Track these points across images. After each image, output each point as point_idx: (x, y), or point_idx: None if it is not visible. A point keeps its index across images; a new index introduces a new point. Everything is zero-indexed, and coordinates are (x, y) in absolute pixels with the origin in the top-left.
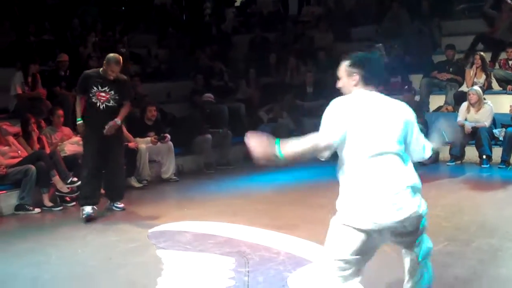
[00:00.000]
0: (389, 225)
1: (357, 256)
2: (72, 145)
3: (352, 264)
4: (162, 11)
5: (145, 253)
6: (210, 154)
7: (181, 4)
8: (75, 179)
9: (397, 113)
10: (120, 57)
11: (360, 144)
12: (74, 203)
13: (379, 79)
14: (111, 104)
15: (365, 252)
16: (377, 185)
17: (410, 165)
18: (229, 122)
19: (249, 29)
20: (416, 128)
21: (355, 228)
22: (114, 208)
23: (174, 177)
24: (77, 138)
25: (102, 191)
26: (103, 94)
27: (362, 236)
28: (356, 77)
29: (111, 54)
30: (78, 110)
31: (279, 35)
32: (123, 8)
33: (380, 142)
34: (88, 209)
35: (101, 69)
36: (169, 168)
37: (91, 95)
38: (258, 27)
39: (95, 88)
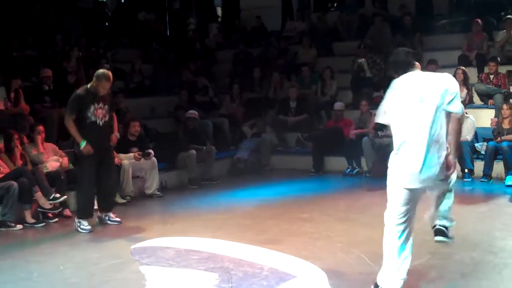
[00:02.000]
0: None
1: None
2: (54, 162)
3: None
4: (146, 26)
5: (128, 269)
6: (194, 170)
7: (165, 20)
8: (58, 195)
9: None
10: (110, 73)
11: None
12: (56, 219)
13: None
14: (107, 119)
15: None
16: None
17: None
18: (213, 137)
19: (233, 44)
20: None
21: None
22: (109, 221)
23: (158, 193)
24: (57, 156)
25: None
26: (100, 111)
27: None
28: None
29: (102, 71)
30: (75, 131)
31: (262, 50)
32: (107, 23)
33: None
34: (86, 224)
35: (89, 85)
36: (152, 184)
37: (89, 114)
38: (241, 42)
39: (92, 106)
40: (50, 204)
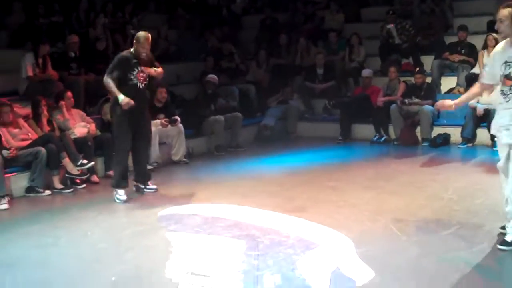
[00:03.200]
0: None
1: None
2: (82, 128)
3: None
4: None
5: (155, 235)
6: (221, 136)
7: None
8: (85, 161)
9: None
10: (148, 33)
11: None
12: (84, 185)
13: None
14: (147, 82)
15: None
16: None
17: None
18: (239, 104)
19: (259, 10)
20: None
21: None
22: (146, 189)
23: (184, 159)
24: (85, 122)
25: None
26: (142, 74)
27: None
28: None
29: (141, 32)
30: (115, 88)
31: (289, 16)
32: None
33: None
34: (122, 193)
35: (131, 49)
36: (179, 150)
37: (132, 77)
38: (268, 7)
39: (136, 69)
40: (78, 170)
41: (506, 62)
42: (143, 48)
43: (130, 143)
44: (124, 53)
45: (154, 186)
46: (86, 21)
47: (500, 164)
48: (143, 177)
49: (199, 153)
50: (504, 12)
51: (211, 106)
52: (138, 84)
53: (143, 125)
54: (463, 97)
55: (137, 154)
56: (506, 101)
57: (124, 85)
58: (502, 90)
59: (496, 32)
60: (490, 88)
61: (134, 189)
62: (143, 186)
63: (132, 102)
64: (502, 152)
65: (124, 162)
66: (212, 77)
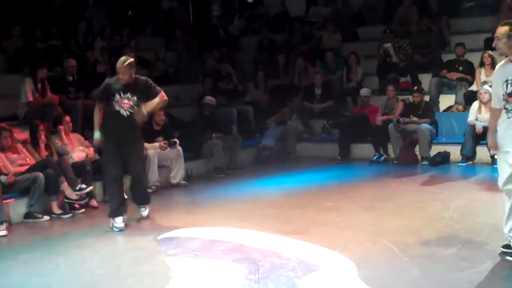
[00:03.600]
0: None
1: None
2: (80, 152)
3: None
4: (169, 14)
5: (154, 260)
6: (219, 158)
7: (188, 7)
8: (84, 186)
9: None
10: (129, 58)
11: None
12: (83, 210)
13: None
14: (133, 111)
15: None
16: None
17: None
18: (238, 125)
19: (256, 31)
20: None
21: None
22: (142, 214)
23: (184, 182)
24: (83, 147)
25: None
26: (126, 101)
27: None
28: None
29: (120, 59)
30: (97, 122)
31: (286, 36)
32: (130, 12)
33: None
34: (119, 221)
35: (117, 75)
36: (178, 173)
37: (114, 103)
38: (265, 28)
39: (117, 95)
40: (77, 195)
41: (507, 80)
42: (123, 74)
43: (117, 172)
44: (108, 79)
45: (146, 213)
46: (84, 45)
47: (502, 183)
48: (139, 201)
49: (198, 175)
50: (501, 30)
51: (208, 130)
52: (121, 112)
53: (132, 153)
54: (491, 127)
55: (132, 180)
56: (509, 118)
57: (108, 111)
58: (506, 108)
59: (493, 49)
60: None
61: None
62: (141, 209)
63: (98, 145)
64: (504, 172)
65: (113, 191)
66: (210, 99)
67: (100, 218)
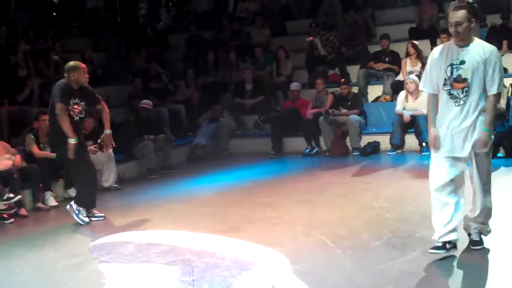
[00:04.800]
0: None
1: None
2: (6, 160)
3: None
4: (95, 14)
5: (87, 268)
6: (151, 159)
7: (114, 6)
8: (12, 195)
9: None
10: (81, 64)
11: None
12: (12, 219)
13: None
14: (82, 115)
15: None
16: None
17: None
18: (170, 124)
19: (185, 28)
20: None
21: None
22: (93, 218)
23: (116, 185)
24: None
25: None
26: (76, 106)
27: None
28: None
29: (74, 63)
30: (69, 127)
31: (215, 33)
32: (55, 13)
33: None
34: (84, 215)
35: (63, 80)
36: (109, 177)
37: (68, 107)
38: (193, 25)
39: (70, 101)
40: (5, 204)
41: (452, 64)
42: (84, 75)
43: (90, 164)
44: (60, 82)
45: (102, 215)
46: (7, 48)
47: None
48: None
49: (131, 177)
50: (459, 14)
51: (142, 132)
52: (74, 117)
53: (85, 155)
54: (429, 117)
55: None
56: (460, 105)
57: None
58: (451, 94)
59: (417, 39)
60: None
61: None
62: (90, 214)
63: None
64: (455, 165)
65: (94, 182)
66: (146, 102)
67: (30, 226)
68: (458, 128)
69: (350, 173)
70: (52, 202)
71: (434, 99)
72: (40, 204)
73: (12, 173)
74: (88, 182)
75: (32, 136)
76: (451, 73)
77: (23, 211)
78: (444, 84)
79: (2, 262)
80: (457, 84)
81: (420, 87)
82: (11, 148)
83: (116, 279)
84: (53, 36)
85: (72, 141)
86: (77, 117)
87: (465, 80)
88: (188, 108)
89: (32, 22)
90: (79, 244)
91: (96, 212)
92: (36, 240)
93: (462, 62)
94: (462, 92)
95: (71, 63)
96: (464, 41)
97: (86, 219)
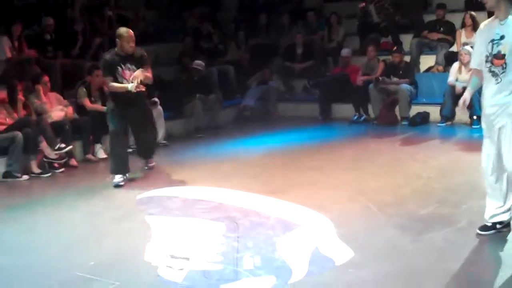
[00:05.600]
0: None
1: None
2: (59, 111)
3: None
4: None
5: (134, 219)
6: (200, 118)
7: None
8: (63, 145)
9: None
10: (130, 31)
11: None
12: (62, 169)
13: None
14: (135, 81)
15: None
16: None
17: None
18: (219, 85)
19: None
20: None
21: None
22: (146, 167)
23: (164, 141)
24: (62, 106)
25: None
26: (127, 72)
27: None
28: None
29: (123, 29)
30: (120, 87)
31: None
32: None
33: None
34: (118, 178)
35: (116, 48)
36: (159, 132)
37: (117, 76)
38: None
39: (119, 68)
40: (56, 154)
41: (493, 40)
42: (128, 43)
43: (124, 138)
44: (105, 54)
45: (152, 164)
46: (63, 3)
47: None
48: (142, 155)
49: (179, 135)
50: None
51: (193, 91)
52: (125, 83)
53: (136, 114)
54: (469, 88)
55: (137, 138)
56: (498, 82)
57: (113, 81)
58: (492, 71)
59: (475, 10)
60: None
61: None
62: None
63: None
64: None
65: (119, 154)
66: (199, 63)
67: (79, 176)
68: (492, 106)
69: (398, 142)
70: (101, 154)
71: (477, 74)
72: (90, 156)
73: (64, 124)
74: (117, 152)
75: (84, 89)
76: (492, 49)
77: (73, 162)
78: (486, 61)
79: (52, 209)
80: (496, 60)
81: (470, 65)
82: (64, 99)
83: (162, 232)
84: None
85: (130, 87)
86: (130, 82)
87: (504, 56)
88: (238, 70)
89: None
90: (127, 196)
91: (151, 162)
92: (85, 190)
93: (502, 37)
94: (502, 69)
95: (119, 29)
96: (501, 14)
97: (118, 180)
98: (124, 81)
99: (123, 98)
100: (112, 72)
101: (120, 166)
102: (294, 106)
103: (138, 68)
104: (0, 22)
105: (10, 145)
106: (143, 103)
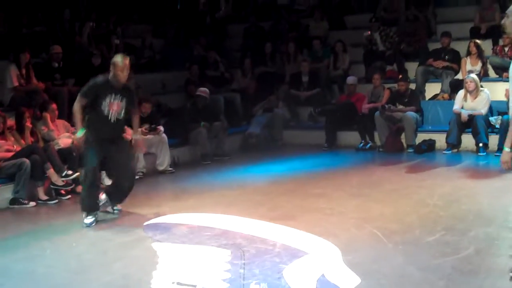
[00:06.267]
0: None
1: None
2: (66, 138)
3: None
4: (156, 0)
5: (141, 246)
6: (206, 145)
7: None
8: (70, 172)
9: None
10: (125, 59)
11: None
12: (69, 196)
13: None
14: (121, 117)
15: None
16: None
17: None
18: (225, 112)
19: (243, 18)
20: None
21: None
22: (113, 210)
23: (170, 169)
24: (69, 133)
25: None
26: (115, 105)
27: None
28: None
29: (119, 58)
30: (80, 119)
31: (273, 24)
32: None
33: None
34: (90, 218)
35: (109, 76)
36: (164, 160)
37: (102, 106)
38: (252, 16)
39: (108, 98)
40: (63, 181)
41: None
42: (123, 72)
43: (98, 174)
44: (99, 78)
45: (119, 208)
46: (70, 31)
47: None
48: (115, 198)
49: (185, 162)
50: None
51: (198, 119)
52: (109, 117)
53: (116, 153)
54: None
55: (117, 180)
56: None
57: (93, 112)
58: None
59: (479, 38)
60: None
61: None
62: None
63: (81, 144)
64: None
65: (92, 191)
66: (204, 90)
67: None
68: None
69: (404, 170)
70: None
71: None
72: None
73: (71, 151)
74: (90, 188)
75: None
76: None
77: (80, 188)
78: None
79: (60, 236)
80: None
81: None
82: (71, 127)
83: (168, 258)
84: (115, 20)
85: (81, 132)
86: (114, 118)
87: None
88: (244, 97)
89: (94, 6)
90: (133, 223)
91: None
92: None
93: None
94: None
95: (115, 57)
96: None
97: (90, 220)
98: (110, 114)
99: (105, 131)
100: (94, 98)
101: (94, 205)
102: (300, 133)
103: (126, 103)
104: (8, 50)
105: (17, 172)
106: (126, 141)
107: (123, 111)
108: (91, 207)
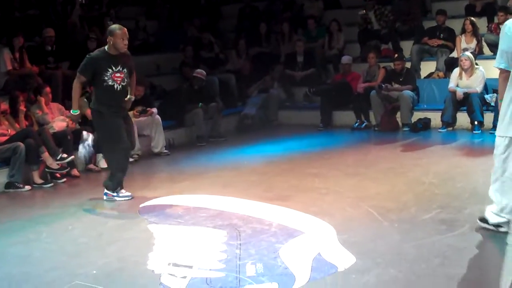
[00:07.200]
0: None
1: None
2: (61, 122)
3: None
4: None
5: (136, 228)
6: (201, 127)
7: None
8: (65, 155)
9: None
10: (124, 28)
11: None
12: (64, 179)
13: None
14: (125, 83)
15: None
16: None
17: None
18: (220, 93)
19: None
20: None
21: None
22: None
23: (165, 151)
24: (63, 116)
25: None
26: (118, 74)
27: None
28: None
29: (116, 26)
30: (77, 98)
31: (268, 4)
32: None
33: None
34: (125, 192)
35: (106, 47)
36: (158, 142)
37: (106, 78)
38: None
39: (110, 70)
40: (58, 164)
41: None
42: (123, 40)
43: (128, 143)
44: (95, 52)
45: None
46: (63, 14)
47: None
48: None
49: (181, 144)
50: None
51: (194, 100)
52: (115, 86)
53: (130, 124)
54: (500, 92)
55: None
56: None
57: (99, 86)
58: None
59: (474, 16)
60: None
61: None
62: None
63: (76, 121)
64: None
65: (125, 163)
66: (200, 72)
67: (82, 186)
68: None
69: (399, 149)
70: (103, 164)
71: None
72: (91, 166)
73: (66, 134)
74: (121, 160)
75: (86, 100)
76: None
77: (75, 172)
78: None
79: (55, 219)
80: None
81: (495, 64)
82: (66, 110)
83: (164, 240)
84: (108, 2)
85: (74, 112)
86: (119, 86)
87: None
88: (239, 78)
89: None
90: (129, 205)
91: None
92: (87, 199)
93: None
94: None
95: (111, 26)
96: None
97: (128, 193)
98: (115, 84)
99: (117, 102)
100: (94, 74)
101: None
102: (295, 113)
103: (128, 70)
104: (2, 34)
105: (12, 156)
106: (130, 119)
107: (126, 80)
108: (118, 184)
